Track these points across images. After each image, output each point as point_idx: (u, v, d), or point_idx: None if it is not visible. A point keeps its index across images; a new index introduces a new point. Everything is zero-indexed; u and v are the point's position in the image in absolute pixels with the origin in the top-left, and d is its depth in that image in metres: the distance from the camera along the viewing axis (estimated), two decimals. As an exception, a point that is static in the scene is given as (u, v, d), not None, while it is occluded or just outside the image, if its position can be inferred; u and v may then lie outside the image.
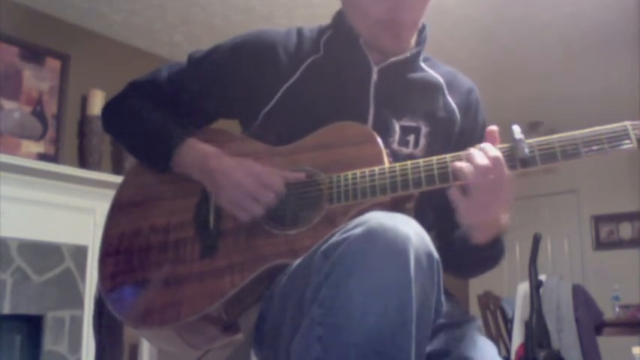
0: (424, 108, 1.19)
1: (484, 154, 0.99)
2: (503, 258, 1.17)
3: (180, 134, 1.18)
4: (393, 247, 0.77)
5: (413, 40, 1.22)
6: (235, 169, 1.10)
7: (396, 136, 1.16)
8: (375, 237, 0.78)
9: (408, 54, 1.20)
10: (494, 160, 0.98)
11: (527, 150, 0.99)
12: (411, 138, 1.17)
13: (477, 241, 1.07)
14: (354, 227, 0.80)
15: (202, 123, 1.26)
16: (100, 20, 3.74)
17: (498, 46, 4.17)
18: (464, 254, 1.12)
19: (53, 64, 3.59)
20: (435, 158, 1.03)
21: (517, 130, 1.01)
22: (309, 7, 3.59)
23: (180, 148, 1.16)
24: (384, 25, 1.14)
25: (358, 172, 1.05)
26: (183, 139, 1.17)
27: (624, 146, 0.97)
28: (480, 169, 0.98)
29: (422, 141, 1.17)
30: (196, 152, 1.15)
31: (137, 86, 1.27)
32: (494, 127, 1.04)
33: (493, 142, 1.02)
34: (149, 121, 1.21)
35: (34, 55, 3.51)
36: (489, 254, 1.11)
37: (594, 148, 0.98)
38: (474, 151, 1.00)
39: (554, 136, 1.00)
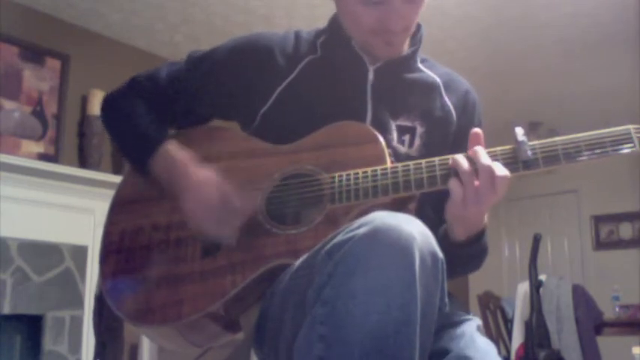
0: (420, 108, 1.20)
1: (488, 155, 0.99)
2: (485, 257, 1.16)
3: (155, 141, 1.16)
4: (397, 246, 0.77)
5: (406, 44, 1.22)
6: (204, 184, 1.09)
7: (394, 135, 1.16)
8: (379, 236, 0.78)
9: (403, 54, 1.21)
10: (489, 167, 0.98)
11: (529, 152, 0.99)
12: (407, 138, 1.17)
13: (458, 237, 1.06)
14: (358, 227, 0.80)
15: (198, 123, 1.26)
16: (100, 20, 3.74)
17: (498, 46, 4.17)
18: (445, 252, 1.11)
19: (53, 64, 3.59)
20: (437, 159, 1.03)
21: (520, 132, 1.01)
22: (310, 8, 3.58)
23: (154, 156, 1.15)
24: (376, 33, 1.14)
25: (360, 172, 1.05)
26: (157, 147, 1.15)
27: (627, 150, 0.97)
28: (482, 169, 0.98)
29: (417, 141, 1.17)
30: (166, 160, 1.14)
31: (136, 83, 1.26)
32: (478, 130, 1.04)
33: (477, 144, 1.02)
34: (135, 126, 1.21)
35: (34, 55, 3.51)
36: (470, 252, 1.09)
37: (597, 151, 0.98)
38: (478, 149, 1.00)
39: (557, 138, 1.00)
